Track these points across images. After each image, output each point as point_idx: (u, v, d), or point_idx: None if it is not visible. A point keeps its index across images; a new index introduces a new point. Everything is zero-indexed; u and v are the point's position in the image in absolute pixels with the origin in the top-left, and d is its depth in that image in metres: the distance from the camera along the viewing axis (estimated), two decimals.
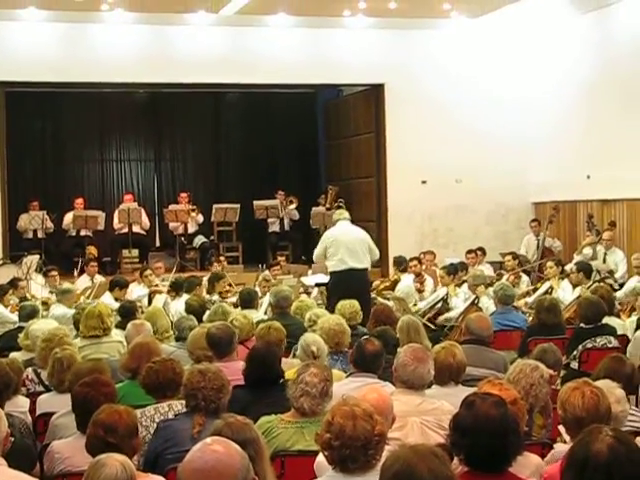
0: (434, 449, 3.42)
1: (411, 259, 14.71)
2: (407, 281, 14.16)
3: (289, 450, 5.49)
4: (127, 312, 10.29)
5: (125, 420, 4.94)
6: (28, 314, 10.29)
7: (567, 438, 5.04)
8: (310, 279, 14.51)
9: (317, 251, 12.93)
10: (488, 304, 11.72)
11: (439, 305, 12.69)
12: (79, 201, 18.99)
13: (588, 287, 12.09)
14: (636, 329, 9.78)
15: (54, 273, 14.49)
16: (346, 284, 12.08)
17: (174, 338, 9.05)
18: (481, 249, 16.06)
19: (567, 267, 13.94)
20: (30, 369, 7.77)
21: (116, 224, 18.80)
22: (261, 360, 6.61)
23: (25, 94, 18.99)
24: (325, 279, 13.13)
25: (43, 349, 7.68)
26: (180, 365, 6.42)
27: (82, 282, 15.00)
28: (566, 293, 12.56)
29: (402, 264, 14.71)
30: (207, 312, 10.28)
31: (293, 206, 19.66)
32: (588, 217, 16.05)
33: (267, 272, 14.99)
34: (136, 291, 13.99)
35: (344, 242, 12.62)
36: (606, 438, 3.38)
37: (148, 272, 14.38)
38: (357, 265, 12.59)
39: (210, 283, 13.58)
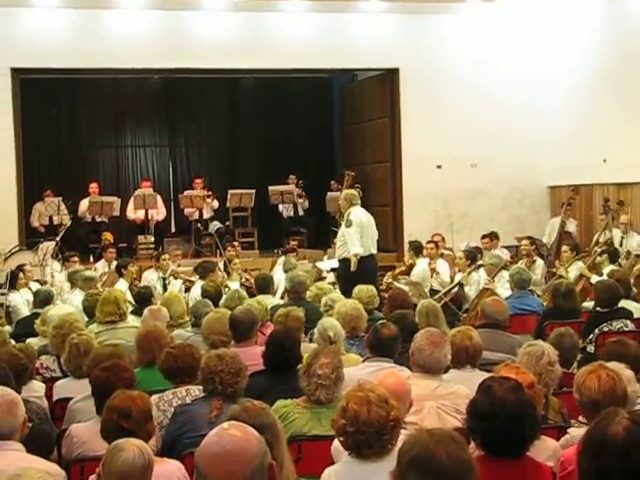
0: (452, 433, 3.42)
1: (428, 242, 14.68)
2: (422, 265, 14.13)
3: (306, 435, 5.51)
4: (143, 298, 10.33)
5: (139, 405, 4.96)
6: (43, 300, 10.31)
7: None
8: (325, 264, 14.51)
9: (356, 238, 12.63)
10: (504, 294, 11.72)
11: (455, 290, 12.69)
12: (93, 185, 18.95)
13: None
14: None
15: (75, 259, 14.48)
16: (366, 269, 12.17)
17: (190, 324, 9.06)
18: (494, 233, 15.95)
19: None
20: (46, 356, 7.80)
21: (131, 210, 18.79)
22: (280, 343, 6.60)
23: (40, 81, 18.95)
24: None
25: (54, 336, 7.69)
26: (198, 350, 6.44)
27: (100, 268, 14.96)
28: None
29: (417, 248, 14.68)
30: (224, 297, 10.33)
31: (302, 200, 19.71)
32: (604, 201, 16.00)
33: (284, 258, 14.86)
34: (150, 278, 13.94)
35: (369, 227, 12.76)
36: (622, 420, 3.36)
37: (165, 256, 14.32)
38: (374, 251, 12.75)
39: (225, 269, 13.65)
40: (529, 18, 18.46)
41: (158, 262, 14.18)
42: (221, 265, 13.93)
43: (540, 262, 14.37)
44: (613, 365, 5.31)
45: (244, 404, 4.43)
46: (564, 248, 13.73)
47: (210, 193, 19.07)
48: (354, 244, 12.68)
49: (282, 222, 19.66)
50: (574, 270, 12.80)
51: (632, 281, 10.90)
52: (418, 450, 3.24)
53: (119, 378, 5.57)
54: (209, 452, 3.04)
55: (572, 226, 16.95)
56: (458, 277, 13.13)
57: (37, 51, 16.73)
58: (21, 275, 12.64)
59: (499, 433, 4.22)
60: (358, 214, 12.88)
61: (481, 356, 6.70)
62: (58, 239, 15.42)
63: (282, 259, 14.70)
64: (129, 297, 11.05)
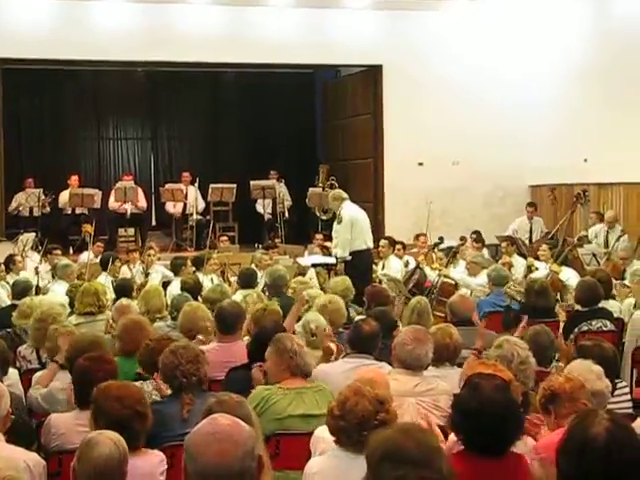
0: (417, 424, 3.45)
1: (396, 242, 14.76)
2: (396, 262, 14.19)
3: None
4: (122, 290, 10.31)
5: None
6: (21, 291, 10.21)
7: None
8: (306, 260, 14.47)
9: (347, 235, 12.65)
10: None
11: (416, 276, 12.73)
12: (74, 178, 18.91)
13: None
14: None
15: (58, 252, 14.40)
16: (366, 263, 12.27)
17: (170, 317, 9.01)
18: (479, 239, 15.68)
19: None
20: (24, 346, 7.76)
21: (112, 202, 18.72)
22: (269, 338, 6.52)
23: (22, 71, 18.92)
24: (321, 260, 13.15)
25: (37, 329, 7.62)
26: None
27: (84, 260, 14.80)
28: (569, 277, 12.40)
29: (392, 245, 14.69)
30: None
31: (281, 184, 19.58)
32: (582, 192, 16.00)
33: (259, 252, 14.72)
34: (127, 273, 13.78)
35: (362, 221, 12.80)
36: (603, 421, 3.37)
37: (151, 252, 14.20)
38: (371, 244, 12.84)
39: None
40: (513, 17, 18.50)
41: (142, 256, 14.08)
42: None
43: (520, 261, 14.30)
44: (581, 363, 5.36)
45: (219, 397, 4.43)
46: (542, 247, 13.75)
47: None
48: (343, 245, 12.72)
49: (262, 217, 19.59)
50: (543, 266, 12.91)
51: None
52: (386, 444, 3.26)
53: (100, 369, 5.50)
54: (202, 432, 3.06)
55: (539, 225, 17.04)
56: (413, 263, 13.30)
57: (20, 41, 16.64)
58: (2, 267, 12.57)
59: (484, 431, 4.22)
60: (350, 210, 12.94)
61: (460, 354, 6.69)
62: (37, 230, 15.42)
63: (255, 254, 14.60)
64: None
